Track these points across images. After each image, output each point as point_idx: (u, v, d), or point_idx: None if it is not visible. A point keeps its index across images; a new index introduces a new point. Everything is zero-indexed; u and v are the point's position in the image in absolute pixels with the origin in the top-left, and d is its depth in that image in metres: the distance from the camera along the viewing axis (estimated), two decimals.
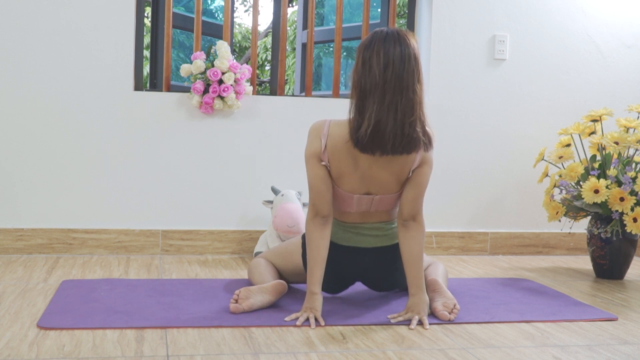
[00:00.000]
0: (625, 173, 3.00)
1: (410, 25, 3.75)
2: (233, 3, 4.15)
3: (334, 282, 2.50)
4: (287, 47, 10.42)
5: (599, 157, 3.18)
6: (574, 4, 3.73)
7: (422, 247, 2.33)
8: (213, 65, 3.33)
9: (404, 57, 2.18)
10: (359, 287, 2.73)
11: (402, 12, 8.98)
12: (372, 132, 2.17)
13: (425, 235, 3.52)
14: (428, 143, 2.23)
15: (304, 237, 2.52)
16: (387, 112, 2.16)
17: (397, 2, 7.29)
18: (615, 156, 3.10)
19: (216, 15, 7.24)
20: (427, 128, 2.23)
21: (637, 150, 3.11)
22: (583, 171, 3.10)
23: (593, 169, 3.15)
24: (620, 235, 3.08)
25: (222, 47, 3.34)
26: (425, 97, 2.26)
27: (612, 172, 3.02)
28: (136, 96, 3.34)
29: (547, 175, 3.31)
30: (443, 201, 3.64)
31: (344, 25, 4.01)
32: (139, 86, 3.38)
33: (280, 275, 2.64)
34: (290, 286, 2.67)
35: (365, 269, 2.47)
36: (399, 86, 2.17)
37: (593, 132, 3.25)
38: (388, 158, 2.26)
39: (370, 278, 2.51)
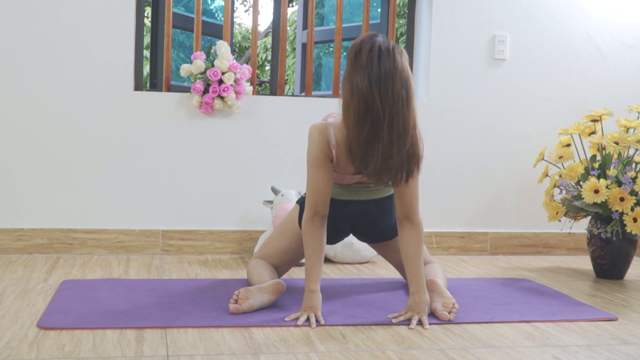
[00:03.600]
0: (625, 173, 3.00)
1: (410, 25, 3.75)
2: (233, 3, 4.15)
3: (329, 233, 2.53)
4: (287, 47, 10.42)
5: (599, 157, 3.18)
6: (574, 4, 3.73)
7: (419, 246, 2.34)
8: (213, 65, 3.33)
9: (397, 80, 2.09)
10: (359, 286, 2.73)
11: (402, 12, 8.97)
12: (372, 170, 2.16)
13: (425, 235, 3.53)
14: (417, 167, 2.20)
15: (298, 202, 2.67)
16: (390, 149, 2.12)
17: (397, 2, 7.28)
18: (615, 156, 3.10)
19: (216, 15, 7.24)
20: (419, 148, 2.19)
21: (637, 150, 3.11)
22: (583, 171, 3.10)
23: (593, 169, 3.15)
24: (620, 235, 3.08)
25: (222, 47, 3.34)
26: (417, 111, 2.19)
27: (612, 172, 3.02)
28: (136, 96, 3.34)
29: (547, 175, 3.31)
30: (443, 201, 3.64)
31: (344, 25, 4.01)
32: (139, 86, 3.38)
33: (279, 272, 2.68)
34: (289, 285, 2.68)
35: (359, 216, 2.59)
36: (396, 117, 2.09)
37: (593, 132, 3.25)
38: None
39: (362, 226, 2.63)
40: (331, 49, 7.58)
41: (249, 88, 3.40)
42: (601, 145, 3.14)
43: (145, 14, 6.34)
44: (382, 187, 2.56)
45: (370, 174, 2.19)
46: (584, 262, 3.54)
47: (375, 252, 3.20)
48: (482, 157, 3.68)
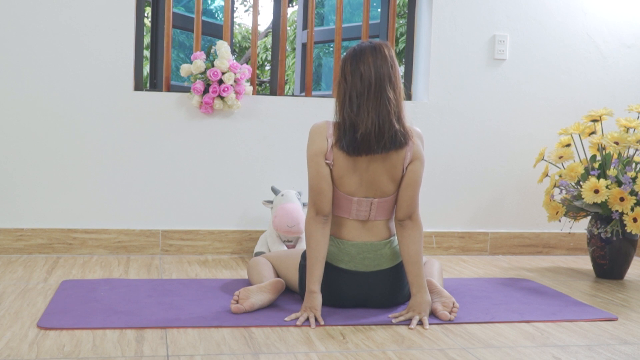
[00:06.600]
0: (625, 173, 3.00)
1: (410, 25, 3.75)
2: (233, 3, 4.15)
3: (332, 306, 2.40)
4: (287, 47, 10.42)
5: (599, 157, 3.18)
6: (574, 4, 3.73)
7: (420, 245, 2.34)
8: (213, 65, 3.33)
9: (385, 63, 2.31)
10: None
11: (402, 12, 8.97)
12: (364, 134, 2.26)
13: (425, 235, 3.53)
14: (409, 137, 2.33)
15: (303, 256, 2.45)
16: (379, 114, 2.27)
17: (397, 2, 7.28)
18: (615, 156, 3.10)
19: (216, 15, 7.23)
20: (407, 124, 2.35)
21: (637, 150, 3.11)
22: (583, 171, 3.10)
23: (593, 169, 3.15)
24: (620, 235, 3.08)
25: (222, 47, 3.34)
26: (404, 96, 2.38)
27: (612, 172, 3.02)
28: (136, 96, 3.34)
29: (547, 175, 3.31)
30: (443, 201, 3.64)
31: (344, 25, 4.01)
32: (139, 86, 3.38)
33: (278, 275, 2.64)
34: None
35: (367, 293, 2.39)
36: (385, 90, 2.28)
37: (593, 132, 3.25)
38: (382, 156, 2.30)
39: (372, 301, 2.41)
40: (331, 49, 7.58)
41: (249, 88, 3.40)
42: (601, 145, 3.14)
43: (145, 14, 6.34)
44: (389, 245, 2.38)
45: (360, 138, 2.25)
46: (584, 262, 3.54)
47: None
48: (482, 157, 3.68)
